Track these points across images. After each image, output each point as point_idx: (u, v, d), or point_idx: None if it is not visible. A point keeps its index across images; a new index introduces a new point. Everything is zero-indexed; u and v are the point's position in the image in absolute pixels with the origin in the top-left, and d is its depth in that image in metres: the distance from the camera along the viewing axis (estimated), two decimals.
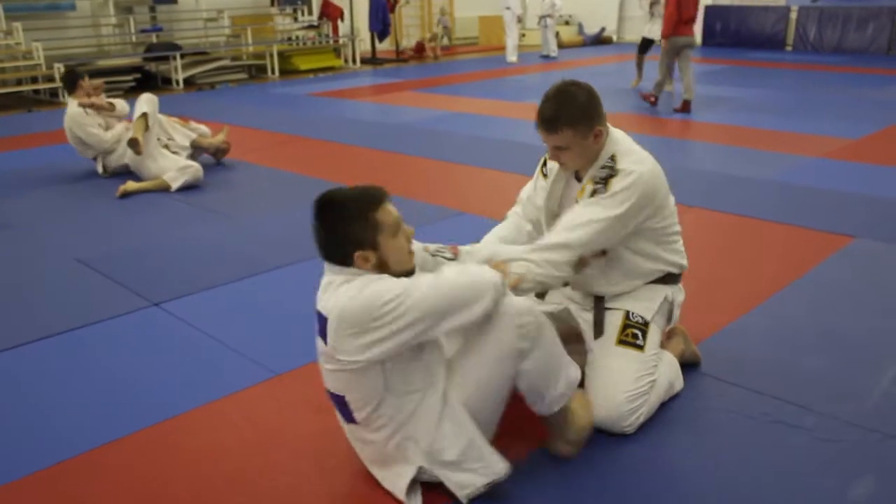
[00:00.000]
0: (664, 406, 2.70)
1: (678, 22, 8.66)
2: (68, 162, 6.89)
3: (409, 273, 2.21)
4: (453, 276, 2.17)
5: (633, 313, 2.67)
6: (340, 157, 6.88)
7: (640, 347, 2.62)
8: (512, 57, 14.82)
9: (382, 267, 2.15)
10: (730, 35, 16.85)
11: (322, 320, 2.13)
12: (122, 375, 3.10)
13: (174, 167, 6.02)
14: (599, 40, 18.60)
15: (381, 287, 2.07)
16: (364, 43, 15.83)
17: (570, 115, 2.49)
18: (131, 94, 11.62)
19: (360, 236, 2.10)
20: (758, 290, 3.72)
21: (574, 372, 2.36)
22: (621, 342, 2.62)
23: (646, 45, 10.60)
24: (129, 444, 2.61)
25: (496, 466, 2.19)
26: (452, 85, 11.78)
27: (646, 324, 2.66)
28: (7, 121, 10.03)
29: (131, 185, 5.95)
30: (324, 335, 2.13)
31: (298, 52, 14.71)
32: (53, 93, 11.81)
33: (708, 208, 5.01)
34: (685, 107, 8.80)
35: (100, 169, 6.52)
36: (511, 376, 2.25)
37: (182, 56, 12.87)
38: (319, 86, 12.29)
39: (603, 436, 2.53)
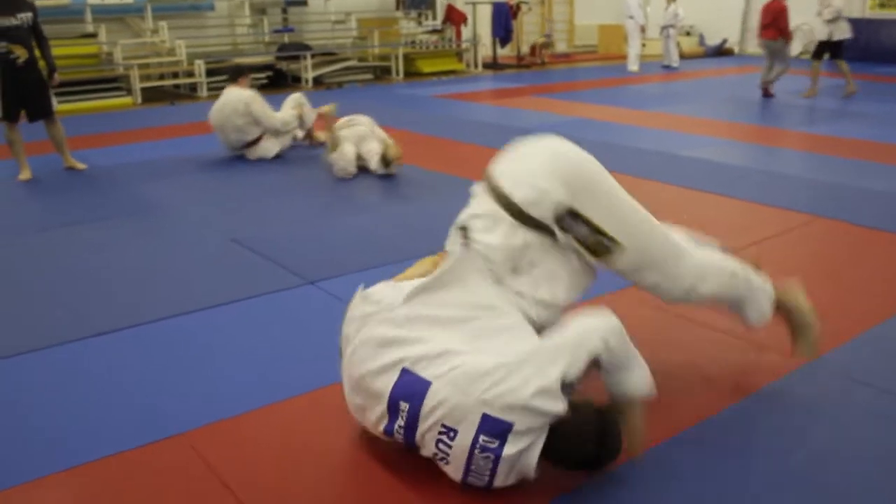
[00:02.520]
0: (793, 401, 2.79)
1: (759, 26, 10.71)
2: (214, 151, 7.37)
3: None
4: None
5: None
6: (466, 155, 7.09)
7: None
8: (633, 66, 14.81)
9: None
10: (859, 49, 16.34)
11: None
12: (281, 344, 3.37)
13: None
14: (721, 52, 18.35)
15: None
16: (486, 48, 16.07)
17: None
18: (264, 91, 12.18)
19: None
20: (892, 301, 3.74)
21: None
22: None
23: (819, 49, 10.93)
24: (287, 407, 2.86)
25: None
26: (574, 91, 11.89)
27: None
28: (151, 112, 10.68)
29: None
30: None
31: (422, 56, 15.07)
32: (193, 87, 12.48)
33: (840, 219, 4.99)
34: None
35: (253, 156, 7.23)
36: None
37: (312, 56, 13.40)
38: (442, 88, 12.59)
39: (729, 427, 2.65)
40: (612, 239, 2.52)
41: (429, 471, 2.38)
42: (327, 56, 13.94)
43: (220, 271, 4.30)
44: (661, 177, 6.11)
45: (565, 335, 2.29)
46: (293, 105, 7.38)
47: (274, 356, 3.26)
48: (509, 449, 2.15)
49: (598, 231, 2.50)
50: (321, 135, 7.51)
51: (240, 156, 7.25)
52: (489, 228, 2.49)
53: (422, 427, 2.23)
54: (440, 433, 2.21)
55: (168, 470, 2.49)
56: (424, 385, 2.21)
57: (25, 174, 6.61)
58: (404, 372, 2.26)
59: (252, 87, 7.57)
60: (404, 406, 2.24)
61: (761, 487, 2.34)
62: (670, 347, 3.26)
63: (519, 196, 2.46)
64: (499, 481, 2.21)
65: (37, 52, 6.57)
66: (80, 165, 6.96)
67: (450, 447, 2.20)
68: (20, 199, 6.12)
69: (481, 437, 2.15)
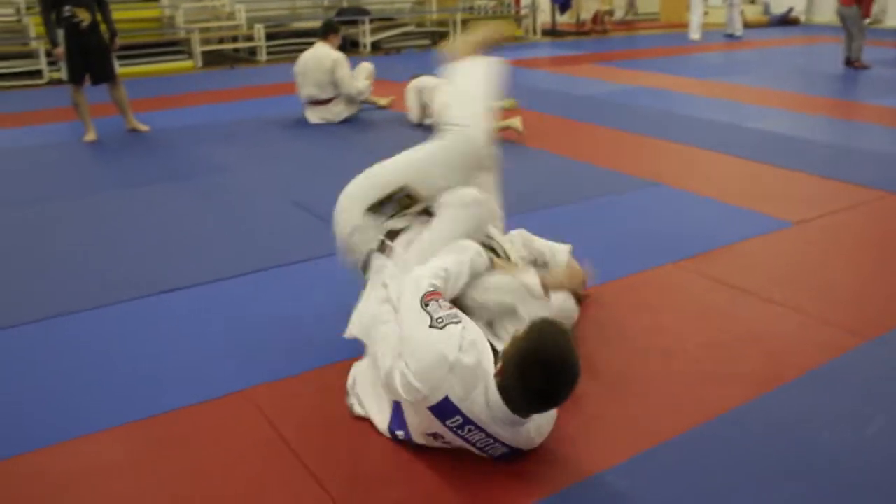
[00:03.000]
0: (857, 377, 2.75)
1: None
2: (275, 114, 7.45)
3: None
4: None
5: None
6: (526, 122, 7.02)
7: None
8: (695, 34, 14.49)
9: None
10: None
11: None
12: (341, 306, 3.39)
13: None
14: (786, 21, 17.85)
15: None
16: (544, 14, 15.88)
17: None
18: None
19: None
20: None
21: None
22: None
23: None
24: (347, 368, 2.82)
25: None
26: (634, 60, 11.70)
27: None
28: (212, 76, 10.79)
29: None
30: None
31: (480, 21, 14.93)
32: (252, 51, 12.56)
33: None
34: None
35: (315, 117, 7.30)
36: None
37: (370, 20, 13.38)
38: (502, 54, 12.46)
39: (788, 403, 2.62)
40: (401, 189, 2.80)
41: None
42: (386, 21, 13.92)
43: (280, 233, 4.36)
44: (723, 147, 6.01)
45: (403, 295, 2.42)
46: (367, 75, 7.47)
47: (333, 317, 3.28)
48: (471, 414, 2.17)
49: (390, 196, 2.81)
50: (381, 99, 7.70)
51: (303, 119, 7.31)
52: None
53: (420, 441, 2.37)
54: (434, 440, 2.32)
55: (230, 424, 2.55)
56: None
57: (90, 135, 6.75)
58: (394, 404, 2.40)
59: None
60: (400, 434, 2.39)
61: (827, 461, 2.31)
62: (728, 320, 3.22)
63: (353, 258, 2.90)
64: (510, 440, 2.24)
65: (98, 16, 6.67)
66: (143, 127, 7.08)
67: (450, 443, 2.30)
68: (85, 159, 6.26)
69: (448, 423, 2.20)
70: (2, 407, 2.71)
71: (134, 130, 7.05)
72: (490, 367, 2.20)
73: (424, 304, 2.29)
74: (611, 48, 13.43)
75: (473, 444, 2.25)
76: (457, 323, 2.24)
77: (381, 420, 2.46)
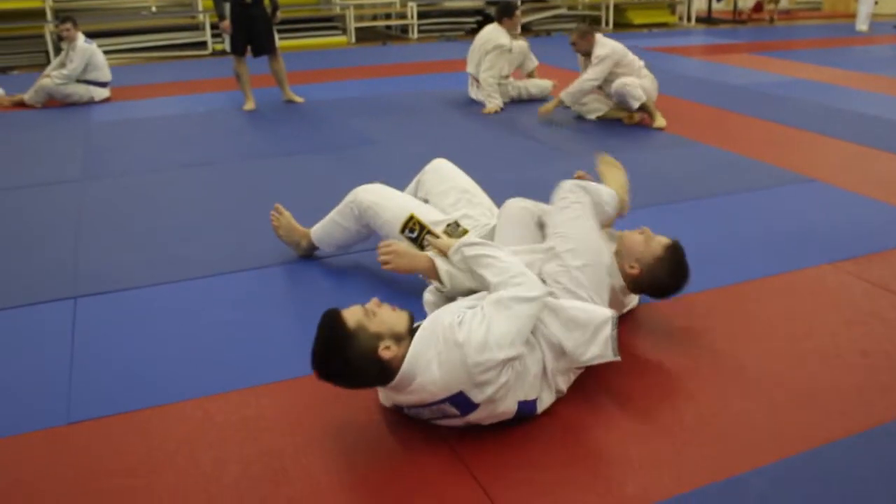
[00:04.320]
0: None
1: None
2: (426, 90, 7.61)
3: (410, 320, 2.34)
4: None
5: None
6: (677, 110, 6.86)
7: None
8: (862, 25, 13.75)
9: (400, 340, 2.25)
10: None
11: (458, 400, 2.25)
12: None
13: None
14: None
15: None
16: (700, 1, 15.43)
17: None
18: (471, 35, 12.29)
19: (368, 347, 2.20)
20: None
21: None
22: None
23: None
24: None
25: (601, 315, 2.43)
26: (793, 51, 11.21)
27: None
28: (364, 52, 11.05)
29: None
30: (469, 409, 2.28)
31: (633, 6, 14.68)
32: (404, 29, 12.78)
33: None
34: None
35: (471, 93, 7.37)
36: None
37: (521, 2, 13.33)
38: (654, 41, 12.22)
39: None
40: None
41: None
42: (537, 3, 13.86)
43: None
44: (888, 146, 5.69)
45: None
46: (538, 89, 7.40)
47: None
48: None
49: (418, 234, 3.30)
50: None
51: (450, 97, 7.38)
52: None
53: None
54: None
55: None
56: None
57: (250, 105, 7.06)
58: None
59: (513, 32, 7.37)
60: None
61: None
62: (890, 327, 3.05)
63: None
64: (421, 399, 2.29)
65: None
66: (298, 99, 7.35)
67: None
68: (244, 127, 6.56)
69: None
70: (172, 357, 2.90)
71: (290, 101, 7.32)
72: None
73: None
74: (768, 38, 12.92)
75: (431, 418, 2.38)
76: None
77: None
